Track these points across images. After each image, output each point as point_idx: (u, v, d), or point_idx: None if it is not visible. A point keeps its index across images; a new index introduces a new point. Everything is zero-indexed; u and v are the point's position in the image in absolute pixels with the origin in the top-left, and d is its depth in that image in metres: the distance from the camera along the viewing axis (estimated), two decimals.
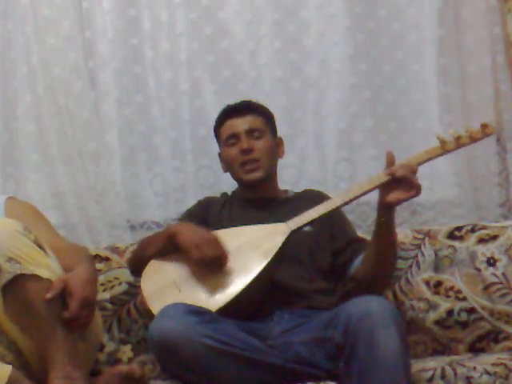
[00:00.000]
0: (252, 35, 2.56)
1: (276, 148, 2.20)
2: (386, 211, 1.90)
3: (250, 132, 2.13)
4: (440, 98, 2.53)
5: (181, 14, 2.56)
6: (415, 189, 1.85)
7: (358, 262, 2.03)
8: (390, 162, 1.89)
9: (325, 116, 2.56)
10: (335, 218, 2.10)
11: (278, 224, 1.96)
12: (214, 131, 2.24)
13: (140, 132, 2.58)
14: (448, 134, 1.95)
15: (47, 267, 1.70)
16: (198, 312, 1.70)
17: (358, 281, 2.02)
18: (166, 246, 1.96)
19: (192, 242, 1.87)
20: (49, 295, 1.66)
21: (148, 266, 1.98)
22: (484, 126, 1.95)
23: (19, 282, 1.65)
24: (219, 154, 2.25)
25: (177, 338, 1.63)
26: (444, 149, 1.94)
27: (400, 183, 1.85)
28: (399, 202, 1.87)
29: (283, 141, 2.26)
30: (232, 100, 2.27)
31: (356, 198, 1.95)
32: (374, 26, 2.55)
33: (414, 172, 1.86)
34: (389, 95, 2.55)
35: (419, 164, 1.91)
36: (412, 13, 2.56)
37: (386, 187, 1.88)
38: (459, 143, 1.94)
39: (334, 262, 2.07)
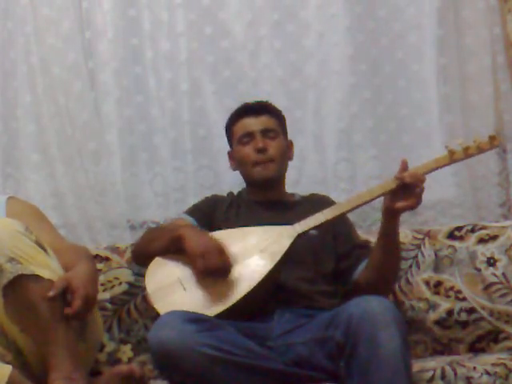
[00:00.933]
0: (252, 36, 2.57)
1: (287, 150, 2.21)
2: (391, 217, 1.91)
3: (265, 132, 2.14)
4: (440, 98, 2.53)
5: (181, 14, 2.56)
6: (419, 198, 1.87)
7: (361, 268, 2.03)
8: (404, 168, 1.90)
9: (325, 116, 2.56)
10: (340, 223, 2.10)
11: (285, 226, 1.95)
12: (226, 129, 2.24)
13: (140, 132, 2.57)
14: (456, 144, 1.96)
15: (48, 267, 1.70)
16: (197, 320, 1.69)
17: (361, 286, 2.01)
18: (170, 247, 1.96)
19: (197, 251, 1.86)
20: (51, 293, 1.65)
21: (152, 263, 1.98)
22: (492, 137, 1.97)
23: (20, 282, 1.64)
24: (229, 153, 2.25)
25: (175, 348, 1.62)
26: (452, 159, 1.96)
27: (408, 192, 1.87)
28: (405, 209, 1.89)
29: (293, 144, 2.26)
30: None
31: (364, 203, 1.96)
32: (374, 26, 2.56)
33: (422, 181, 1.88)
34: (389, 95, 2.56)
35: (426, 173, 1.92)
36: (412, 13, 2.57)
37: (393, 194, 1.89)
38: (467, 153, 1.96)
39: (337, 266, 2.06)
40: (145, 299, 2.12)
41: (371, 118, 2.55)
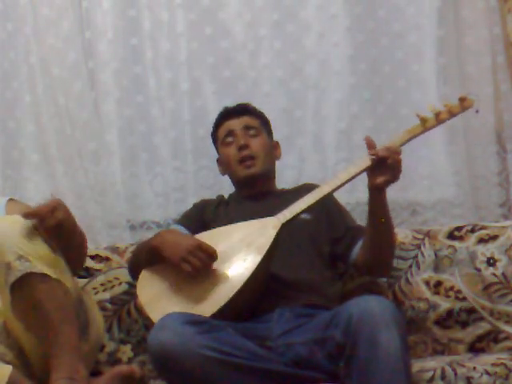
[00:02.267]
0: (252, 36, 2.57)
1: (273, 149, 2.21)
2: (376, 195, 1.91)
3: (246, 129, 2.16)
4: (440, 98, 2.53)
5: (181, 14, 2.56)
6: (397, 170, 1.86)
7: (358, 248, 2.03)
8: (371, 145, 1.89)
9: (325, 116, 2.57)
10: (331, 208, 2.11)
11: (269, 218, 1.94)
12: (212, 136, 2.26)
13: (140, 132, 2.58)
14: (427, 111, 1.94)
15: (56, 267, 1.69)
16: (196, 322, 1.69)
17: (359, 267, 2.03)
18: (152, 258, 1.95)
19: (178, 258, 1.85)
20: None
21: (143, 273, 1.97)
22: (462, 99, 1.94)
23: (28, 280, 1.64)
24: (217, 160, 2.26)
25: (175, 350, 1.62)
26: (424, 126, 1.94)
27: (386, 166, 1.85)
28: (387, 183, 1.88)
29: (279, 144, 2.27)
30: (232, 100, 2.28)
31: (344, 183, 1.94)
32: (374, 26, 2.56)
33: (398, 153, 1.87)
34: (389, 95, 2.56)
35: (402, 144, 1.92)
36: (412, 13, 2.57)
37: (373, 170, 1.88)
38: (439, 119, 1.94)
39: (334, 250, 2.07)
40: (139, 309, 2.12)
41: (371, 118, 2.55)
